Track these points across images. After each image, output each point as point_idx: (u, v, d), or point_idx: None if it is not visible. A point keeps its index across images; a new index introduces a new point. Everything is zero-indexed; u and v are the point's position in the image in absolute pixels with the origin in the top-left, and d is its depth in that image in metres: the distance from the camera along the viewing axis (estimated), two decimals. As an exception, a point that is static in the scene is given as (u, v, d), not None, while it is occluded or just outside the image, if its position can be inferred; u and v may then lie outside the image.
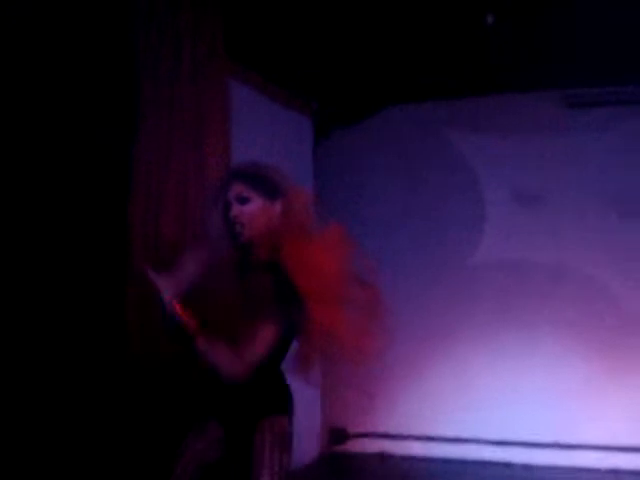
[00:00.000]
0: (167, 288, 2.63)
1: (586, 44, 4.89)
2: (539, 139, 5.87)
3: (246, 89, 4.93)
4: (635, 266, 5.61)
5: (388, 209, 6.13)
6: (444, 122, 6.12)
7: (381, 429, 6.08)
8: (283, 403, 2.88)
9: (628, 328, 5.58)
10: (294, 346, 2.80)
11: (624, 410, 5.54)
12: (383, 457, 5.98)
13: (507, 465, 5.66)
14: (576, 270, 5.74)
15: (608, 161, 5.72)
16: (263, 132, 5.10)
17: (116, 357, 3.52)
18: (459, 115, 6.08)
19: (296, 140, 5.87)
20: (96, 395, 3.58)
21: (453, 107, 6.07)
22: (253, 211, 2.79)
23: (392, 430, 6.02)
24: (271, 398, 2.85)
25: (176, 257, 2.90)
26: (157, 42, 3.67)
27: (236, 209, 2.79)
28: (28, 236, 3.45)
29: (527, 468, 5.61)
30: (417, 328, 5.88)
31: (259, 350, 2.65)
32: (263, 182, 2.83)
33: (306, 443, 5.69)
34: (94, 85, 3.61)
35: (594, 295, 5.69)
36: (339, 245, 2.78)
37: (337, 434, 6.17)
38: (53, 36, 3.50)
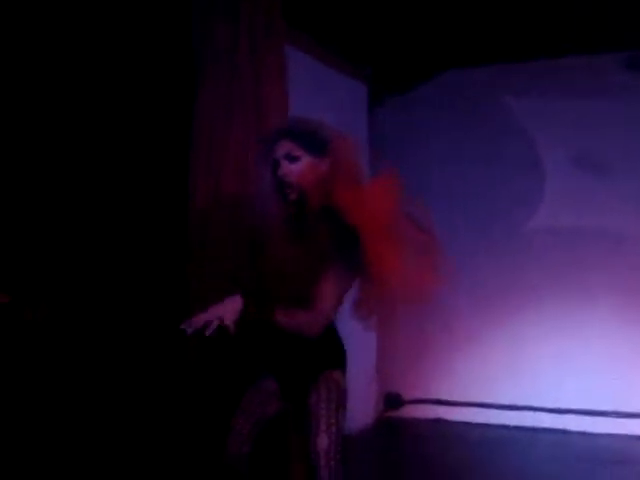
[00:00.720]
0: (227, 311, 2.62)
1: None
2: (599, 103, 5.75)
3: (302, 54, 4.92)
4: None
5: (444, 176, 6.08)
6: (501, 87, 6.03)
7: (436, 395, 6.10)
8: (337, 357, 2.91)
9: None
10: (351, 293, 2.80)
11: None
12: (439, 422, 6.01)
13: (563, 432, 5.65)
14: (636, 237, 5.65)
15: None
16: (319, 97, 5.08)
17: (177, 307, 3.57)
18: (516, 79, 5.98)
19: (351, 106, 5.84)
20: (157, 350, 3.65)
21: (510, 71, 5.97)
22: (302, 170, 2.77)
23: (448, 396, 6.04)
24: (326, 352, 2.87)
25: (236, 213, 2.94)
26: (215, 8, 3.69)
27: (285, 168, 2.77)
28: (93, 190, 3.52)
29: (584, 435, 5.60)
30: (473, 295, 5.88)
31: (331, 301, 2.69)
32: (311, 139, 2.80)
33: (361, 408, 5.73)
34: (156, 49, 3.64)
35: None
36: (392, 188, 2.76)
37: (392, 399, 6.21)
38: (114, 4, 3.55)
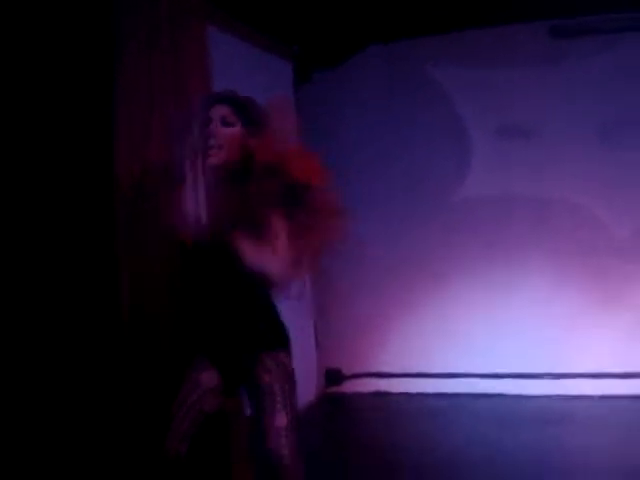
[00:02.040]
0: None
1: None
2: (524, 72, 5.82)
3: (226, 35, 4.87)
4: (621, 193, 5.63)
5: (373, 149, 6.11)
6: (426, 59, 6.06)
7: (375, 368, 6.16)
8: (281, 338, 2.90)
9: (618, 255, 5.63)
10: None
11: (616, 338, 5.63)
12: (378, 395, 6.07)
13: (501, 396, 5.77)
14: (563, 201, 5.76)
15: (594, 91, 5.68)
16: (244, 77, 5.01)
17: (110, 304, 3.52)
18: (442, 51, 6.02)
19: (278, 85, 5.80)
20: (91, 344, 3.59)
21: (435, 43, 5.99)
22: (233, 136, 2.80)
23: (386, 369, 6.11)
24: (269, 333, 2.86)
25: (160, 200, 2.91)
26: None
27: (217, 129, 2.78)
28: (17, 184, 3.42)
29: (520, 398, 5.72)
30: (406, 267, 5.94)
31: (286, 251, 2.68)
32: (248, 111, 2.83)
33: (303, 385, 5.73)
34: (72, 30, 3.54)
35: (583, 225, 5.72)
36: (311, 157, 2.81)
37: (333, 375, 6.25)
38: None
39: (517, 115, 5.87)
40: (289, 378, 2.84)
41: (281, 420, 2.76)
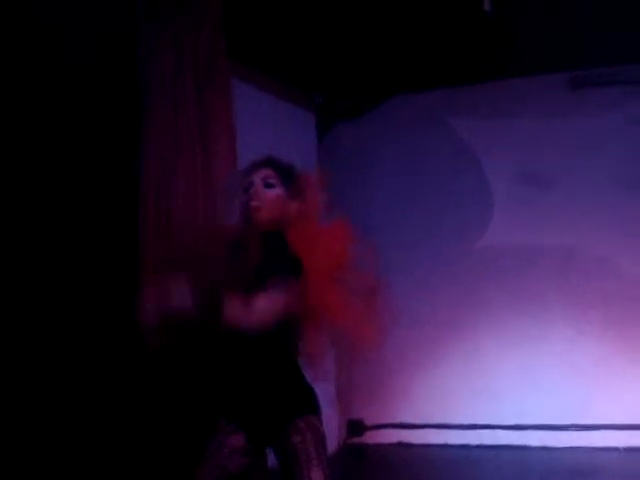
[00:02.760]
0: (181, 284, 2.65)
1: (587, 25, 4.88)
2: (544, 122, 5.87)
3: (249, 87, 4.95)
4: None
5: (394, 198, 6.15)
6: (448, 109, 6.13)
7: (398, 419, 6.11)
8: (313, 402, 2.90)
9: (640, 305, 5.60)
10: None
11: (640, 388, 5.57)
12: (401, 446, 6.01)
13: (524, 448, 5.69)
14: (586, 251, 5.75)
15: (614, 142, 5.72)
16: (267, 128, 5.12)
17: (132, 355, 3.54)
18: (463, 102, 6.09)
19: (301, 135, 5.88)
20: (113, 396, 3.60)
21: (456, 94, 6.07)
22: (274, 198, 2.86)
23: (409, 419, 6.05)
24: (300, 398, 2.87)
25: (186, 254, 2.94)
26: (158, 45, 3.70)
27: (259, 190, 2.84)
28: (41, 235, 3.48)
29: (545, 450, 5.64)
30: (428, 315, 5.92)
31: (267, 302, 2.67)
32: (289, 177, 2.91)
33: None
34: (99, 90, 3.63)
35: (605, 275, 5.69)
36: (343, 234, 2.85)
37: (355, 426, 6.20)
38: (58, 41, 3.53)
39: (539, 164, 5.88)
40: (322, 441, 2.83)
41: (317, 476, 2.73)
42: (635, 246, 5.64)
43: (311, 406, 2.89)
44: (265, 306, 2.67)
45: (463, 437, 5.88)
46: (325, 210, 2.94)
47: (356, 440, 6.21)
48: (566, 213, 5.78)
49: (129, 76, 3.70)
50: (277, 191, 2.87)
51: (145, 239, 3.59)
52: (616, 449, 5.50)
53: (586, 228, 5.75)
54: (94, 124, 3.65)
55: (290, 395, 2.85)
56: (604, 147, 5.73)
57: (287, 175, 2.91)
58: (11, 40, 3.40)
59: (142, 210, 3.61)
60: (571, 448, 5.61)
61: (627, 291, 5.64)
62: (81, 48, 3.63)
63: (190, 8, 3.78)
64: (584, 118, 5.79)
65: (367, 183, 6.14)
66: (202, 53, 3.77)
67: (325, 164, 6.06)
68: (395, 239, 5.87)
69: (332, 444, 5.94)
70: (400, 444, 6.05)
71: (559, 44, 5.20)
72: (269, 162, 2.93)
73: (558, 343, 5.74)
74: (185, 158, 3.67)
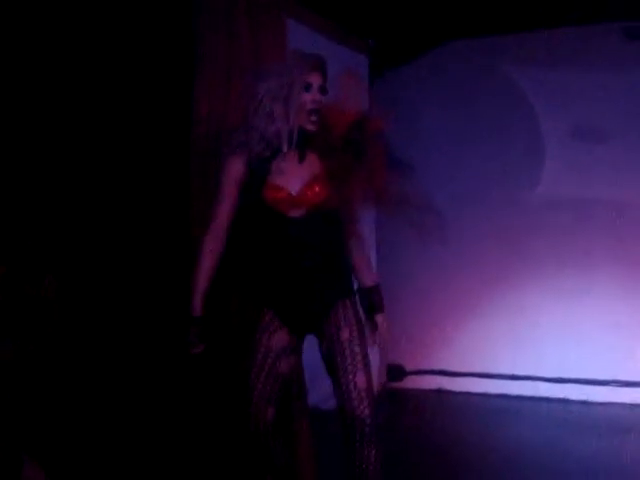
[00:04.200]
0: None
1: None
2: (600, 73, 5.73)
3: (302, 27, 4.90)
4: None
5: (444, 144, 6.09)
6: (502, 57, 6.01)
7: (439, 366, 6.14)
8: (352, 285, 3.05)
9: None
10: None
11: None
12: (440, 393, 6.05)
13: (564, 401, 5.70)
14: (637, 208, 5.66)
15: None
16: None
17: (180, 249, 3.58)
18: (517, 50, 5.96)
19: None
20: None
21: (510, 42, 5.95)
22: (327, 103, 2.93)
23: (449, 367, 6.09)
24: (345, 280, 3.00)
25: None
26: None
27: (318, 96, 2.90)
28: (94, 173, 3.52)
29: (584, 404, 5.64)
30: (474, 265, 5.91)
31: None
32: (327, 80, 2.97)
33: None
34: (152, 25, 3.63)
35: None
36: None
37: (395, 371, 6.25)
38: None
39: (593, 117, 5.77)
40: (361, 324, 2.96)
41: (361, 380, 2.83)
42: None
43: (352, 289, 3.03)
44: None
45: (503, 387, 5.90)
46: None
47: (396, 385, 6.26)
48: (618, 169, 5.67)
49: (183, 13, 3.70)
50: (326, 98, 2.93)
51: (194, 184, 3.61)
52: None
53: (637, 184, 5.65)
54: (148, 63, 3.65)
55: (336, 277, 2.96)
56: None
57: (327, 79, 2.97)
58: None
59: (194, 152, 3.62)
60: (611, 404, 5.60)
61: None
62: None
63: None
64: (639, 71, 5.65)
65: (418, 128, 6.07)
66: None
67: (377, 108, 6.02)
68: (443, 187, 5.82)
69: (372, 388, 5.99)
70: (440, 391, 6.09)
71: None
72: (320, 66, 2.96)
73: (603, 299, 5.69)
74: (235, 100, 3.67)
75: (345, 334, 2.87)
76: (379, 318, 3.10)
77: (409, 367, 6.23)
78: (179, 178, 3.64)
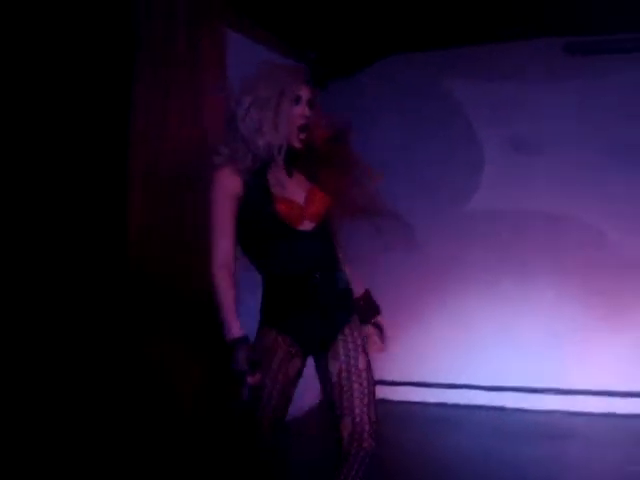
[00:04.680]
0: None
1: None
2: (538, 87, 5.86)
3: (243, 38, 4.90)
4: (631, 213, 5.66)
5: (386, 157, 6.11)
6: (443, 71, 6.11)
7: (378, 376, 6.11)
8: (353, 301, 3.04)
9: (625, 274, 5.66)
10: None
11: (618, 355, 5.65)
12: (381, 403, 6.05)
13: (501, 409, 5.78)
14: (572, 219, 5.78)
15: (607, 110, 5.71)
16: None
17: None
18: (458, 63, 6.06)
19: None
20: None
21: (452, 55, 6.04)
22: (316, 119, 2.87)
23: (388, 376, 6.11)
24: (350, 306, 2.99)
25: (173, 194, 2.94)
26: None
27: (307, 111, 2.82)
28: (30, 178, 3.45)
29: (521, 412, 5.73)
30: (413, 273, 5.95)
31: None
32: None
33: (305, 392, 5.75)
34: (90, 29, 3.58)
35: (591, 242, 5.74)
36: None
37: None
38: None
39: (530, 130, 5.89)
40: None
41: (363, 362, 2.92)
42: (621, 215, 5.67)
43: (353, 305, 3.03)
44: None
45: (442, 396, 5.97)
46: None
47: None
48: (555, 181, 5.81)
49: (123, 19, 3.66)
50: (314, 112, 2.86)
51: (134, 183, 3.57)
52: (591, 414, 5.58)
53: (574, 196, 5.78)
54: (85, 69, 3.60)
55: (341, 293, 2.94)
56: (597, 116, 5.73)
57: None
58: None
59: (131, 161, 3.58)
60: (547, 412, 5.70)
61: (610, 260, 5.69)
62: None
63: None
64: (580, 85, 5.78)
65: (359, 142, 6.09)
66: (197, 5, 3.74)
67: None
68: (385, 199, 5.85)
69: (311, 401, 5.99)
70: (380, 400, 6.08)
71: (557, 8, 5.18)
72: (309, 81, 2.89)
73: (540, 309, 5.80)
74: (174, 116, 3.65)
75: (362, 363, 2.90)
76: (381, 320, 3.14)
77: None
78: (116, 195, 3.58)
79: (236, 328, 2.69)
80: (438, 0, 5.05)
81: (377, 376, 5.88)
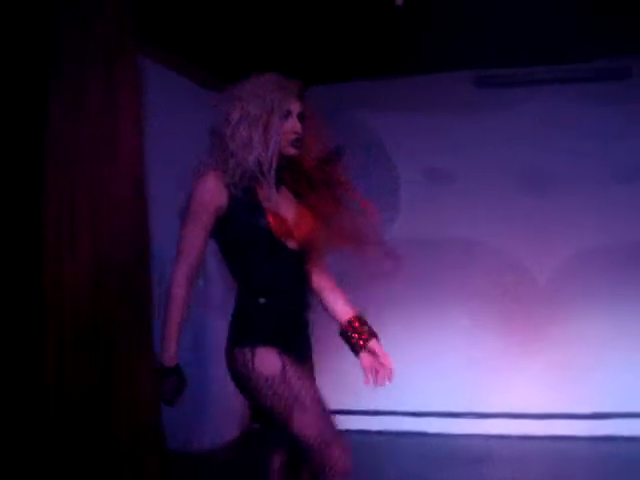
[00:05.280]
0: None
1: (495, 25, 5.01)
2: (450, 119, 6.01)
3: (161, 67, 4.91)
4: (543, 237, 5.81)
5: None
6: (355, 103, 6.22)
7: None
8: None
9: (539, 299, 5.79)
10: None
11: (534, 379, 5.78)
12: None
13: (423, 435, 5.83)
14: (485, 246, 5.94)
15: (516, 140, 5.90)
16: (180, 111, 5.09)
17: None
18: (370, 96, 6.18)
19: (211, 118, 5.82)
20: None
21: (364, 88, 6.16)
22: (310, 131, 2.85)
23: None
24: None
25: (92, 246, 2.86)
26: (63, 25, 3.58)
27: (298, 125, 2.77)
28: None
29: (442, 437, 5.79)
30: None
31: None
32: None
33: (227, 421, 5.73)
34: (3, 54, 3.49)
35: (502, 269, 5.89)
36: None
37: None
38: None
39: (445, 161, 6.03)
40: None
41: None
42: (531, 241, 5.83)
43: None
44: None
45: (364, 423, 5.98)
46: None
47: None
48: (467, 209, 5.95)
49: (34, 52, 3.58)
50: (305, 125, 2.82)
51: (47, 237, 3.44)
52: (509, 437, 5.69)
53: (486, 223, 5.93)
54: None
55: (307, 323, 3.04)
56: (505, 145, 5.90)
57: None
58: None
59: (45, 199, 3.47)
60: (467, 435, 5.78)
61: (523, 286, 5.82)
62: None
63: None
64: (489, 116, 5.95)
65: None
66: (110, 32, 3.69)
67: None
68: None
69: (236, 428, 5.95)
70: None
71: (466, 42, 5.34)
72: (302, 92, 2.86)
73: (457, 335, 5.90)
74: (88, 143, 3.57)
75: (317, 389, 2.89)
76: (378, 345, 3.07)
77: (272, 407, 6.19)
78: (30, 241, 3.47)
79: (170, 355, 2.64)
80: (349, 34, 5.14)
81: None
